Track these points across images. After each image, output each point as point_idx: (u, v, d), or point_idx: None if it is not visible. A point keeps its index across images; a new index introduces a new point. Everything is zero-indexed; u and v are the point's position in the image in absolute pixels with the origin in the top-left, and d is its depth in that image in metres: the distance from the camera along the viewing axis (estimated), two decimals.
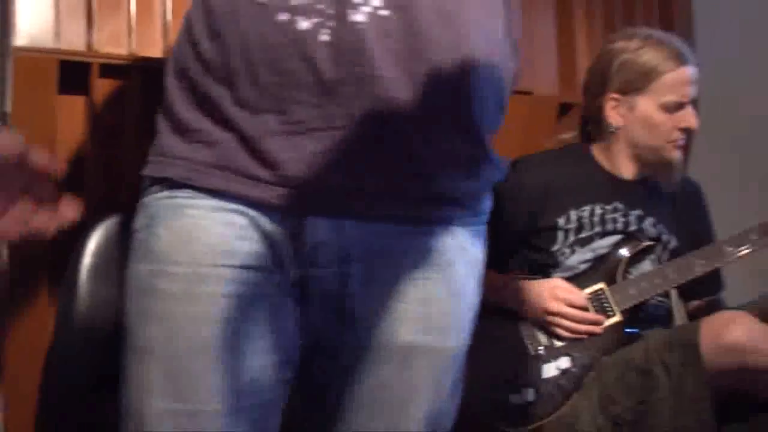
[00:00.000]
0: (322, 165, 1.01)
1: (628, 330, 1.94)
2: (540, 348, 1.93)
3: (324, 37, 0.99)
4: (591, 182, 2.06)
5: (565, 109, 2.59)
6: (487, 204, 1.19)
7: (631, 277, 1.98)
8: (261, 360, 1.03)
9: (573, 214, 2.02)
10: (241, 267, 1.01)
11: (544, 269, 2.02)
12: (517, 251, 2.08)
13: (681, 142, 2.01)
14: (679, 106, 1.98)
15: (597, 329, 1.91)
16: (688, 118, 1.98)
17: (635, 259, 2.00)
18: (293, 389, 1.10)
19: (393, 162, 1.05)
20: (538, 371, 1.91)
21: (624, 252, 1.98)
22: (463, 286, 1.13)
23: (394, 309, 1.07)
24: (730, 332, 1.71)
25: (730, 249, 1.93)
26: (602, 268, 1.98)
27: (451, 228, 1.11)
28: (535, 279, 1.99)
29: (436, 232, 1.10)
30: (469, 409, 1.91)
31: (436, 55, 1.03)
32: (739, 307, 1.94)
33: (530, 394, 1.89)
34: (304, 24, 0.99)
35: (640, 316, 1.99)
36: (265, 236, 1.02)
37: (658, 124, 1.99)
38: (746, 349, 1.70)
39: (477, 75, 1.06)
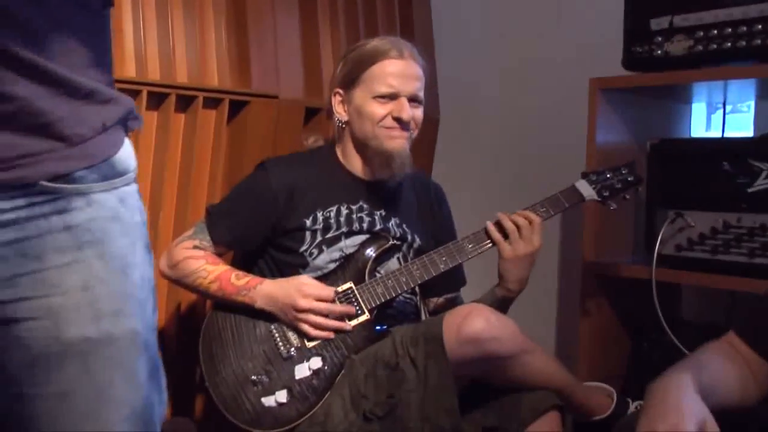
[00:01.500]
0: None
1: (378, 327, 1.97)
2: (292, 349, 1.92)
3: None
4: (336, 183, 2.09)
5: (311, 113, 2.62)
6: (128, 161, 1.03)
7: (378, 275, 2.02)
8: None
9: (320, 215, 2.03)
10: None
11: (293, 269, 2.02)
12: (266, 251, 2.07)
13: (397, 133, 2.03)
14: (391, 97, 2.02)
15: (347, 325, 1.93)
16: (399, 108, 2.02)
17: (382, 258, 2.05)
18: None
19: None
20: (291, 372, 1.90)
21: (371, 251, 2.02)
22: (126, 258, 1.00)
23: (52, 304, 0.93)
24: (470, 324, 1.79)
25: (471, 246, 2.02)
26: (350, 267, 2.01)
27: (90, 197, 0.96)
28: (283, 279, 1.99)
29: (73, 207, 0.94)
30: (222, 413, 1.89)
31: None
32: (478, 300, 2.05)
33: (283, 396, 1.88)
34: None
35: (389, 313, 2.03)
36: None
37: (370, 114, 2.02)
38: (485, 338, 1.78)
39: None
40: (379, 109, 2.02)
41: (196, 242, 2.03)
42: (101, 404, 0.97)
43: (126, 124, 1.03)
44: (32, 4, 0.89)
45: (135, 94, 2.23)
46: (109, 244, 0.97)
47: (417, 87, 2.05)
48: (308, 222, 2.02)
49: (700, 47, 2.06)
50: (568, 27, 2.78)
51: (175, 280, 2.04)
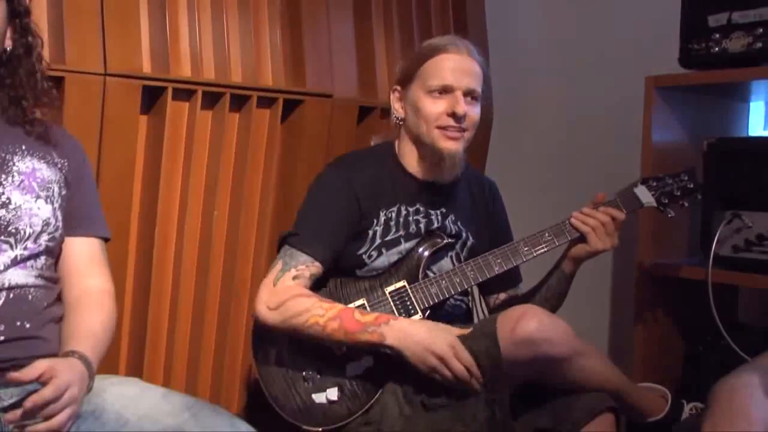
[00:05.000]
0: None
1: None
2: (344, 347, 1.92)
3: None
4: (396, 182, 2.06)
5: (364, 112, 2.63)
6: None
7: (431, 274, 2.01)
8: None
9: (382, 215, 2.02)
10: None
11: (349, 270, 2.01)
12: None
13: (452, 133, 1.99)
14: (445, 91, 1.99)
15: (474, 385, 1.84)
16: (454, 102, 1.98)
17: (435, 256, 2.04)
18: None
19: None
20: (342, 370, 1.91)
21: (424, 251, 2.01)
22: None
23: None
24: (524, 326, 1.77)
25: (527, 249, 2.00)
26: (404, 265, 2.00)
27: None
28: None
29: None
30: (273, 407, 1.90)
31: None
32: (547, 276, 2.07)
33: (334, 394, 1.88)
34: None
35: (440, 314, 2.02)
36: None
37: (426, 112, 1.99)
38: (538, 339, 1.76)
39: None
40: (433, 107, 1.98)
41: (293, 272, 1.93)
42: None
43: None
44: None
45: (190, 93, 2.26)
46: None
47: (473, 82, 2.01)
48: (374, 223, 2.01)
49: (760, 44, 2.02)
50: (623, 24, 2.74)
51: (281, 322, 1.89)
